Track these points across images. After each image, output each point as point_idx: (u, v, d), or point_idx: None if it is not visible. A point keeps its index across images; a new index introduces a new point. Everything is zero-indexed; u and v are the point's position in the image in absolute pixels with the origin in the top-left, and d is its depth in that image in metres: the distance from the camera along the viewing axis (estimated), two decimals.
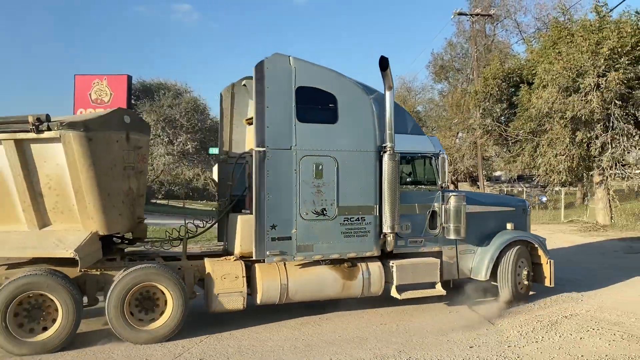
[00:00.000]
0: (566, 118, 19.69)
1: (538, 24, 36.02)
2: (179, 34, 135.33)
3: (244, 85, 8.69)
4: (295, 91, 7.41)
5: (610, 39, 18.91)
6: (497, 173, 46.06)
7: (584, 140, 20.23)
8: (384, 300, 8.83)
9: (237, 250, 7.50)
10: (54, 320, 6.56)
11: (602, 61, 18.71)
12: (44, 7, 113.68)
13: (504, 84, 24.65)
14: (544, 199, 17.68)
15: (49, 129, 6.36)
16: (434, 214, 8.53)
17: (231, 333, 7.21)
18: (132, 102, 24.50)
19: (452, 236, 8.45)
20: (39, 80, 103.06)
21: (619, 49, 18.97)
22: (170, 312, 6.95)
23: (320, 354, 6.47)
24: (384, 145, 7.88)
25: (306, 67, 7.61)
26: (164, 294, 6.99)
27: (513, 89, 24.52)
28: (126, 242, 7.94)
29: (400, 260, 8.08)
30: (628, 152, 20.42)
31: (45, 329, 6.56)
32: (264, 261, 7.32)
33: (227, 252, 8.18)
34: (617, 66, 18.79)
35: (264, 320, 7.82)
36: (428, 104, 49.90)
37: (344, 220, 7.69)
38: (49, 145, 6.51)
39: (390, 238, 7.91)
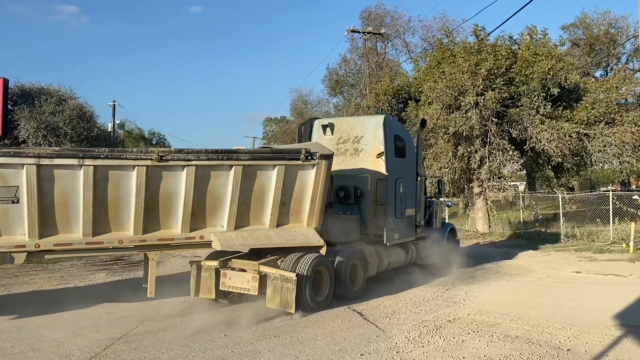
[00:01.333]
0: (449, 133, 21.00)
1: (425, 44, 38.35)
2: (64, 37, 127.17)
3: (325, 125, 11.99)
4: (394, 137, 11.32)
5: (487, 61, 20.50)
6: None
7: (464, 154, 21.64)
8: (277, 311, 8.86)
9: (350, 239, 10.72)
10: (322, 286, 9.34)
11: (480, 81, 20.20)
12: None
13: (393, 100, 25.78)
14: (449, 204, 19.13)
15: (312, 159, 9.06)
16: (425, 213, 13.36)
17: (119, 355, 6.83)
18: (9, 107, 22.41)
19: (434, 226, 13.74)
20: None
21: (495, 70, 20.62)
22: (362, 278, 10.32)
23: None
24: (418, 171, 12.46)
25: (394, 121, 12.15)
26: (356, 267, 10.21)
27: (402, 105, 25.71)
28: None
29: (418, 242, 12.81)
30: (503, 166, 22.09)
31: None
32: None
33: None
34: (493, 86, 20.40)
35: (156, 339, 7.50)
36: (324, 116, 50.94)
37: (407, 218, 11.90)
38: (302, 169, 9.16)
39: (419, 229, 12.65)
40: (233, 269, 9.18)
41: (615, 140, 20.29)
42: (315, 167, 9.13)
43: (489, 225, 24.00)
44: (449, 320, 8.42)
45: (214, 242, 8.77)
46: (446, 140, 21.56)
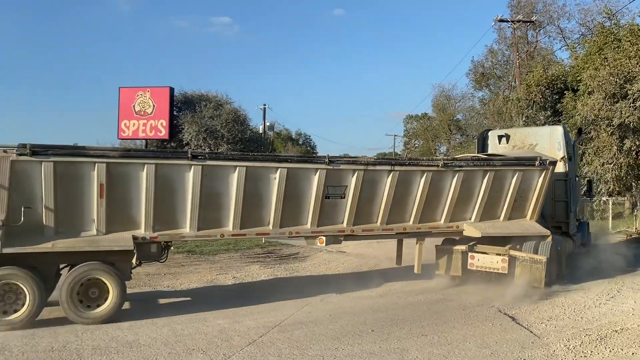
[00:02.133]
0: (613, 125, 19.06)
1: (582, 29, 35.10)
2: (218, 46, 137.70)
3: (501, 136, 13.55)
4: (566, 143, 12.55)
5: None
6: None
7: (632, 149, 19.51)
8: (425, 310, 8.75)
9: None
10: (552, 267, 10.69)
11: None
12: (91, 27, 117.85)
13: (547, 91, 24.13)
14: None
15: (544, 165, 10.72)
16: None
17: (272, 341, 7.24)
18: (174, 113, 24.90)
19: (582, 220, 14.50)
20: (78, 93, 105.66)
21: None
22: (565, 261, 11.80)
23: None
24: (576, 173, 13.77)
25: (565, 130, 13.16)
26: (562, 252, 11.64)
27: (557, 96, 23.98)
28: None
29: (576, 233, 13.34)
30: None
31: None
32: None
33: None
34: None
35: (307, 330, 7.85)
36: (468, 111, 49.29)
37: (574, 212, 12.91)
38: (534, 173, 10.80)
39: (577, 222, 13.49)
40: (477, 252, 10.81)
41: None
42: (544, 171, 10.77)
43: None
44: (616, 331, 7.66)
45: (471, 230, 10.72)
46: (610, 132, 19.60)
